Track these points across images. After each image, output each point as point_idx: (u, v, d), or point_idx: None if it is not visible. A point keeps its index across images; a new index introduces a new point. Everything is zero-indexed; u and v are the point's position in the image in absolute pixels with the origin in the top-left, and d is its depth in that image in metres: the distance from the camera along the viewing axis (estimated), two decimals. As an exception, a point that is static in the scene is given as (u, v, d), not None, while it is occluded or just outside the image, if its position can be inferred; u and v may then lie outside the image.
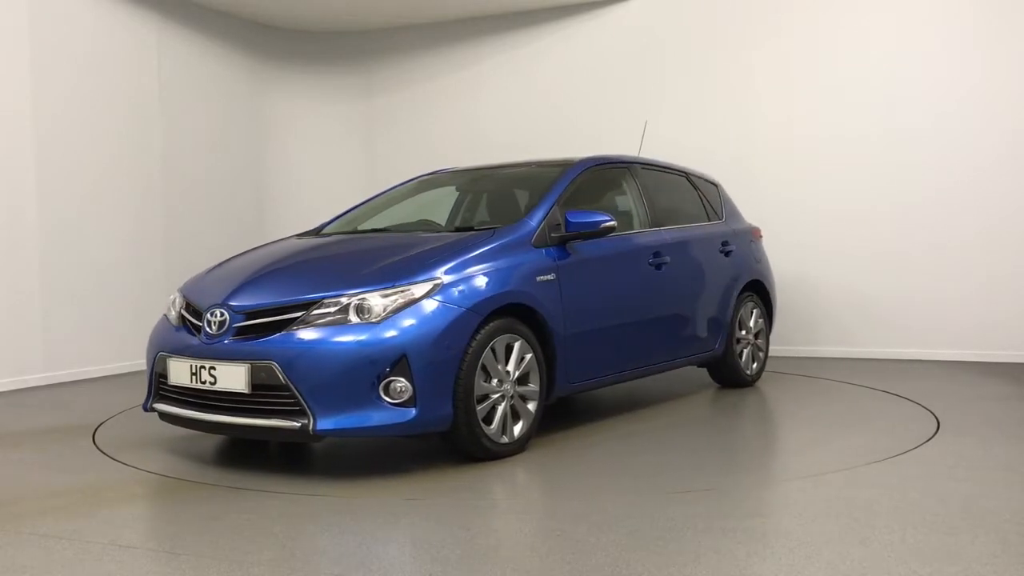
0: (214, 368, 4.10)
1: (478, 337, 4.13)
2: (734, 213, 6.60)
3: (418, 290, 4.05)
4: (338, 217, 5.82)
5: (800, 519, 3.27)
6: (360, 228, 5.43)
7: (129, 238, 7.92)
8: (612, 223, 4.81)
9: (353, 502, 3.67)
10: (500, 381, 4.25)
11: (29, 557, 3.03)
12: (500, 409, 4.24)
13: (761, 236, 6.78)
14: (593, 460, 4.34)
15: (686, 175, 6.34)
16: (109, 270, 7.69)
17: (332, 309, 4.01)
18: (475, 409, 4.09)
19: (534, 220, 4.71)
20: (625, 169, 5.67)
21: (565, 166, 5.30)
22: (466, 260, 4.28)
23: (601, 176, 5.55)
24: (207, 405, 4.19)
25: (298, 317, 4.03)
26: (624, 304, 5.13)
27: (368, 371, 3.88)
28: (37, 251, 7.09)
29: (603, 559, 2.87)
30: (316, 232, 5.53)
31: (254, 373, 3.97)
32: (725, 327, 6.02)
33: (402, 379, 3.91)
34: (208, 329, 4.22)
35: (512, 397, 4.31)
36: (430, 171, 6.28)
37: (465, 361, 4.06)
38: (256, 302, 4.19)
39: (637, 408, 5.70)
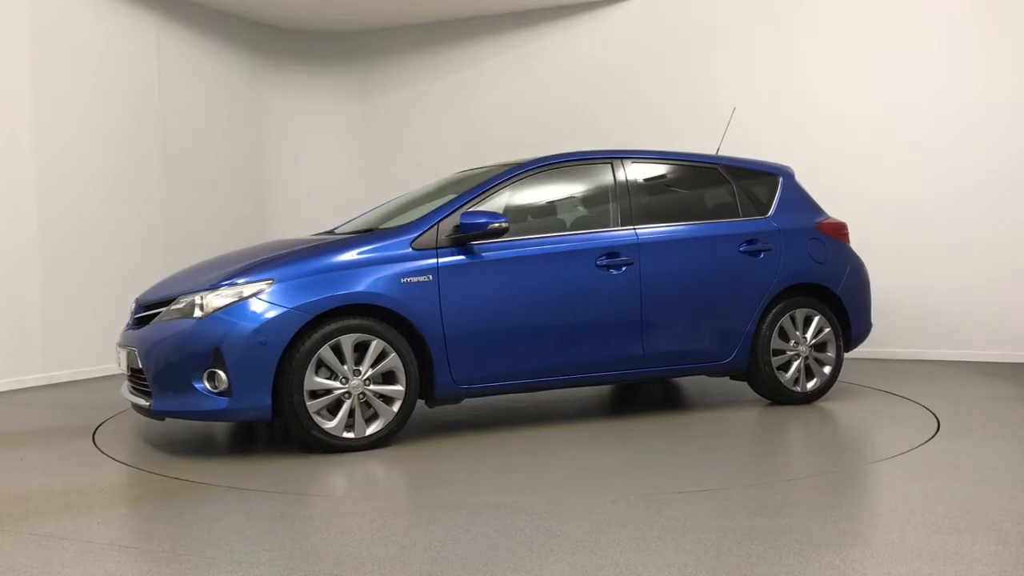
0: (120, 353, 4.83)
1: (313, 335, 4.35)
2: (793, 207, 5.77)
3: (248, 289, 4.40)
4: (363, 215, 5.86)
5: (800, 519, 3.27)
6: (374, 228, 5.42)
7: (129, 238, 7.92)
8: (499, 224, 4.72)
9: (353, 503, 3.67)
10: (345, 379, 4.40)
11: (29, 557, 3.03)
12: (346, 405, 4.41)
13: (839, 233, 5.88)
14: (593, 460, 4.35)
15: (719, 166, 5.72)
16: (109, 270, 7.69)
17: (182, 305, 4.50)
18: (304, 403, 4.32)
19: (425, 223, 4.77)
20: (606, 165, 5.37)
21: (511, 166, 5.22)
22: (313, 262, 4.54)
23: (568, 174, 5.39)
24: (126, 383, 4.95)
25: (161, 312, 4.59)
26: (546, 308, 4.92)
27: (190, 361, 4.33)
28: (37, 251, 7.09)
29: (603, 559, 2.87)
30: (329, 232, 5.60)
31: (128, 358, 4.67)
32: (746, 336, 5.39)
33: (220, 370, 4.28)
34: (129, 320, 4.96)
35: (363, 395, 4.45)
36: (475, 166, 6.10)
37: (294, 357, 4.31)
38: (149, 298, 4.86)
39: (643, 411, 5.70)
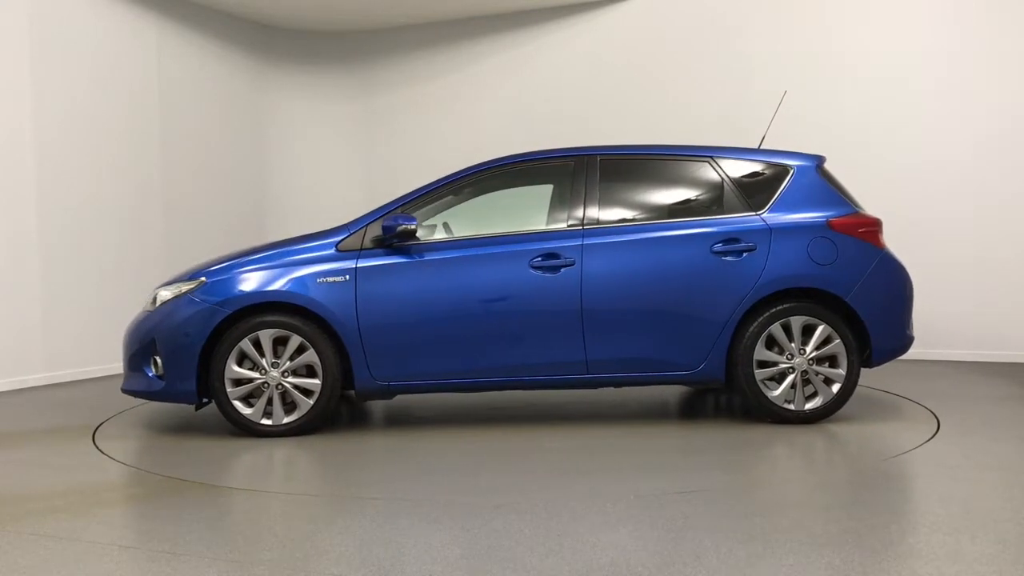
0: None
1: (233, 329, 4.83)
2: (801, 202, 5.13)
3: (185, 286, 4.95)
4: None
5: (800, 519, 3.27)
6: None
7: (129, 238, 7.93)
8: (407, 226, 4.87)
9: (353, 502, 3.67)
10: (264, 370, 4.85)
11: (29, 557, 3.03)
12: (264, 395, 4.87)
13: (858, 231, 5.12)
14: (594, 460, 4.35)
15: (713, 160, 5.23)
16: (109, 270, 7.70)
17: (152, 299, 5.09)
18: (224, 390, 4.84)
19: (354, 226, 5.06)
20: (567, 164, 5.20)
21: (464, 170, 5.25)
22: (243, 262, 4.98)
23: (526, 174, 5.35)
24: None
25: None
26: (471, 309, 4.91)
27: (142, 347, 4.96)
28: (38, 251, 7.09)
29: (603, 559, 2.87)
30: None
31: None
32: (718, 345, 4.93)
33: (157, 357, 4.89)
34: None
35: (281, 386, 4.86)
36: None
37: (219, 347, 4.81)
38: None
39: (645, 414, 5.70)
